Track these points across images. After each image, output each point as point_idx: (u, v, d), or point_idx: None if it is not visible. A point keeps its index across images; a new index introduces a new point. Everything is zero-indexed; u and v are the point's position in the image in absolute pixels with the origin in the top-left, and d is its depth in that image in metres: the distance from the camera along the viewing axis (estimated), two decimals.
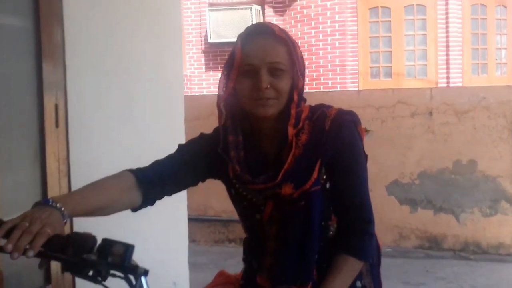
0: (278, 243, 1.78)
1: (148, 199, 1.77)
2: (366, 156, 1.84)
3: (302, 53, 1.79)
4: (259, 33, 1.71)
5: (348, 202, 1.78)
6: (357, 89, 9.10)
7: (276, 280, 1.77)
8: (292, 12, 9.89)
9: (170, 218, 3.56)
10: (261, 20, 9.89)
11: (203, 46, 10.25)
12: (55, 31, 2.59)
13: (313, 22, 9.65)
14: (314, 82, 9.60)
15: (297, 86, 1.71)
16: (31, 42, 2.52)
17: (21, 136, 2.54)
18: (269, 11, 10.02)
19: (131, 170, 1.77)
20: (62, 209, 1.46)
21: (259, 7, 9.90)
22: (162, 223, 3.46)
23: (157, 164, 1.82)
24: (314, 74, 9.62)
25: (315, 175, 1.71)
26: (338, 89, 9.32)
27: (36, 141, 2.52)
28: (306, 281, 1.75)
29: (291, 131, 1.72)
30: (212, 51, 10.18)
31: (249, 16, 9.63)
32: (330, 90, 9.18)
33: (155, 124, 3.31)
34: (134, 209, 1.78)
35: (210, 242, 7.07)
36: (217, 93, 1.80)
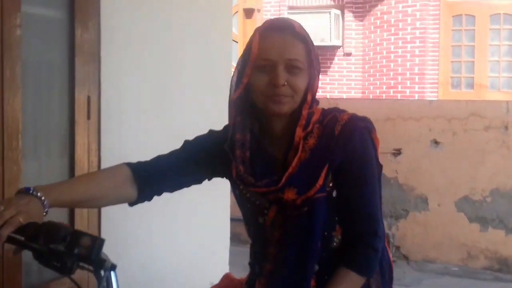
0: (279, 249, 1.71)
1: (144, 195, 1.73)
2: (380, 166, 1.74)
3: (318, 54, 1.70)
4: (278, 28, 1.64)
5: (355, 213, 1.69)
6: (433, 99, 8.76)
7: (274, 286, 1.70)
8: (372, 18, 9.68)
9: (212, 218, 3.51)
10: (340, 25, 9.73)
11: None
12: (90, 24, 2.60)
13: (393, 29, 9.40)
14: (392, 90, 9.36)
15: (312, 86, 1.65)
16: (65, 34, 2.54)
17: (51, 126, 2.57)
18: (348, 15, 9.84)
19: (129, 164, 1.73)
20: (43, 198, 1.45)
21: (338, 12, 9.74)
22: (204, 222, 3.41)
23: (158, 159, 1.78)
24: (392, 81, 9.37)
25: (320, 181, 1.64)
26: (416, 98, 9.03)
27: (66, 131, 2.54)
28: None
29: (299, 132, 1.65)
30: None
31: (327, 20, 9.50)
32: (401, 98, 8.92)
33: (192, 122, 3.27)
34: (131, 204, 1.74)
35: None
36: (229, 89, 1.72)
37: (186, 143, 1.82)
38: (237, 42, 10.27)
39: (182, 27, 3.27)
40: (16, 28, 2.28)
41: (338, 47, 9.83)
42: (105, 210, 2.65)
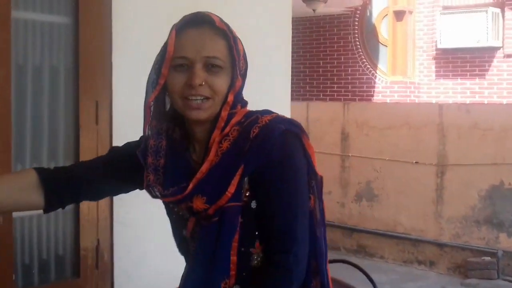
0: (191, 263, 1.58)
1: (53, 201, 1.61)
2: (316, 177, 1.56)
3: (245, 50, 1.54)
4: (196, 23, 1.49)
5: (269, 228, 1.50)
6: None
7: None
8: None
9: None
10: (500, 25, 8.92)
11: (434, 52, 9.62)
12: (98, 28, 2.63)
13: None
14: None
15: (234, 86, 1.49)
16: (71, 39, 2.60)
17: (56, 131, 2.64)
18: (509, 14, 8.98)
19: (37, 168, 1.63)
20: None
21: (497, 10, 8.93)
22: None
23: (76, 164, 1.73)
24: None
25: (231, 189, 1.47)
26: None
27: (71, 136, 2.60)
28: None
29: (215, 135, 1.49)
30: (443, 57, 9.49)
31: (484, 20, 8.76)
32: None
33: None
34: (44, 211, 1.63)
35: (398, 261, 6.65)
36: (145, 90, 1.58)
37: (112, 149, 1.74)
38: (386, 46, 9.92)
39: None
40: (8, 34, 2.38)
41: (497, 48, 9.01)
42: (117, 213, 2.69)
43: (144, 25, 2.82)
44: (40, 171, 1.61)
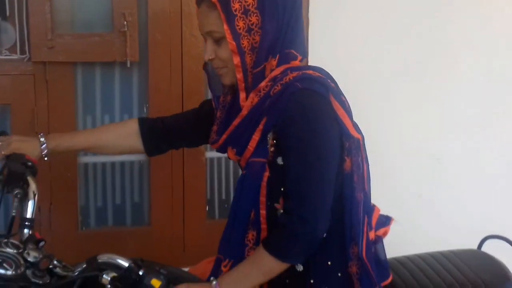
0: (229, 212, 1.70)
1: (151, 146, 1.87)
2: (350, 137, 1.56)
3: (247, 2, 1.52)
4: (197, 2, 1.60)
5: (289, 190, 1.53)
6: None
7: (219, 250, 1.67)
8: None
9: None
10: None
11: None
12: None
13: None
14: None
15: (238, 48, 1.52)
16: None
17: None
18: None
19: (140, 118, 1.91)
20: (42, 140, 1.71)
21: None
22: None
23: (172, 115, 1.91)
24: None
25: (252, 143, 1.57)
26: None
27: None
28: (232, 257, 1.61)
29: (242, 96, 1.57)
30: None
31: None
32: None
33: None
34: (147, 155, 1.91)
35: None
36: None
37: (203, 102, 1.92)
38: None
39: None
40: None
41: None
42: None
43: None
44: (140, 120, 1.88)
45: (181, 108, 2.60)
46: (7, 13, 2.45)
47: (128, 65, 2.54)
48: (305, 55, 1.62)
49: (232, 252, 1.61)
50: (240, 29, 1.51)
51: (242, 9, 1.51)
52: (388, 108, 2.92)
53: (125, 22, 2.46)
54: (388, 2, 2.86)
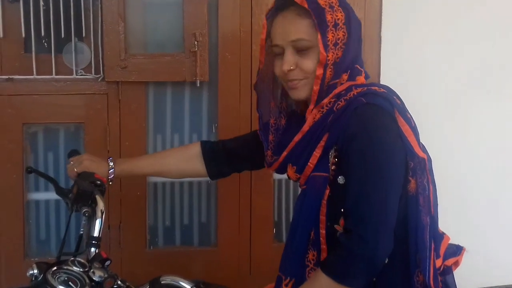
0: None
1: (213, 171, 1.87)
2: (415, 157, 1.47)
3: (344, 15, 1.50)
4: (281, 7, 1.53)
5: (349, 208, 1.44)
6: None
7: (280, 267, 1.60)
8: None
9: None
10: None
11: None
12: None
13: None
14: None
15: (323, 59, 1.47)
16: None
17: None
18: None
19: (202, 141, 1.91)
20: (111, 165, 1.79)
21: None
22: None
23: (233, 138, 1.90)
24: None
25: (313, 160, 1.50)
26: None
27: None
28: (293, 275, 1.53)
29: (310, 108, 1.52)
30: None
31: None
32: None
33: None
34: (210, 178, 1.92)
35: None
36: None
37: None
38: None
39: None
40: None
41: None
42: None
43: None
44: (203, 143, 1.89)
45: (249, 128, 2.58)
46: (83, 34, 2.52)
47: (198, 84, 2.56)
48: (364, 70, 1.58)
49: (292, 270, 1.54)
50: (329, 41, 1.47)
51: (333, 22, 1.48)
52: (462, 128, 2.83)
53: (196, 42, 2.49)
54: (458, 15, 2.82)
